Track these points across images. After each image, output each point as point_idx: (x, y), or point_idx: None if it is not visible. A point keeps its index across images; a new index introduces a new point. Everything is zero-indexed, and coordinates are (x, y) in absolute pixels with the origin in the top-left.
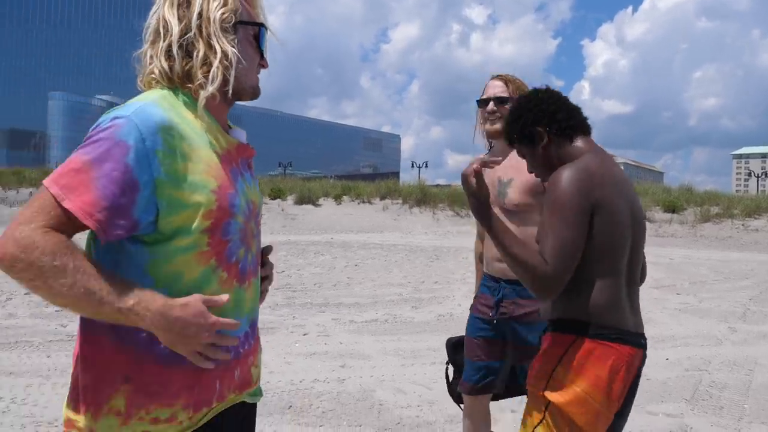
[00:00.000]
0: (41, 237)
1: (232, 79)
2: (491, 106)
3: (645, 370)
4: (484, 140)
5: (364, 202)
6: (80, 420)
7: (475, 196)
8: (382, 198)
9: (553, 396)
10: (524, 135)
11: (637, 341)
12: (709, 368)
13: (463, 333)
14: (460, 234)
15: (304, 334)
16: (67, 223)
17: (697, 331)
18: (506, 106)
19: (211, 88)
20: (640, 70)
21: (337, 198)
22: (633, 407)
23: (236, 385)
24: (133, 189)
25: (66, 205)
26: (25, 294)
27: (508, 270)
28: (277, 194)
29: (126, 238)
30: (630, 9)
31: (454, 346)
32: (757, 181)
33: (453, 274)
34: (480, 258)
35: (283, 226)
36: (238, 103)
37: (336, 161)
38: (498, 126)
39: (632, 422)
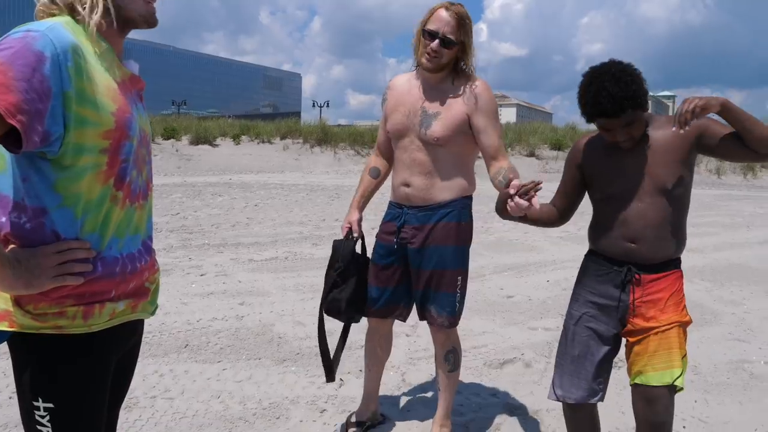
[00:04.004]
0: None
1: (112, 8)
2: (437, 44)
3: (528, 292)
4: (414, 63)
5: (263, 142)
6: None
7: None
8: (283, 138)
9: (687, 317)
10: (642, 103)
11: None
12: None
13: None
14: (362, 173)
15: (202, 275)
16: None
17: (575, 256)
18: (449, 50)
19: (95, 17)
20: (534, 14)
21: (236, 138)
22: (515, 325)
23: (130, 293)
24: (48, 97)
25: None
26: None
27: (412, 195)
28: (170, 134)
29: (36, 153)
30: None
31: (352, 252)
32: None
33: None
34: (369, 171)
35: (177, 168)
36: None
37: (234, 100)
38: (431, 66)
39: (515, 337)
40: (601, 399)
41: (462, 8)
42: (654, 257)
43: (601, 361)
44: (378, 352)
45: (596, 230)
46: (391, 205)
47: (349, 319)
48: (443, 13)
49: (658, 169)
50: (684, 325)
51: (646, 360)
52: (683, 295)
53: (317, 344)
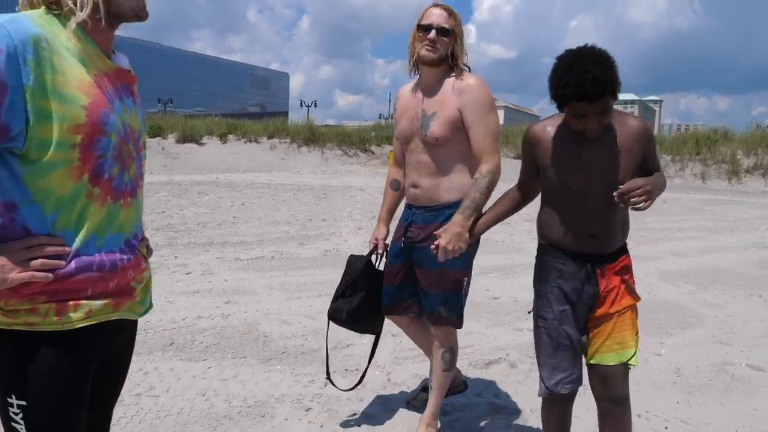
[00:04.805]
0: None
1: (102, 6)
2: (433, 34)
3: (514, 293)
4: (410, 66)
5: (251, 141)
6: None
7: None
8: (270, 137)
9: (638, 298)
10: (617, 91)
11: None
12: None
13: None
14: (349, 173)
15: (187, 273)
16: None
17: None
18: (446, 39)
19: (81, 15)
20: (523, 16)
21: (223, 137)
22: (501, 326)
23: (111, 292)
24: (4, 91)
25: None
26: None
27: (419, 196)
28: (156, 132)
29: (4, 148)
30: None
31: (365, 266)
32: None
33: (341, 212)
34: (390, 184)
35: (164, 166)
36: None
37: (221, 99)
38: (434, 56)
39: (500, 338)
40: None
41: (449, 6)
42: (611, 248)
43: (580, 348)
44: (417, 343)
45: (554, 224)
46: (405, 205)
47: (353, 328)
48: (434, 9)
49: (618, 163)
50: (636, 306)
51: (602, 341)
52: (633, 277)
53: (303, 343)
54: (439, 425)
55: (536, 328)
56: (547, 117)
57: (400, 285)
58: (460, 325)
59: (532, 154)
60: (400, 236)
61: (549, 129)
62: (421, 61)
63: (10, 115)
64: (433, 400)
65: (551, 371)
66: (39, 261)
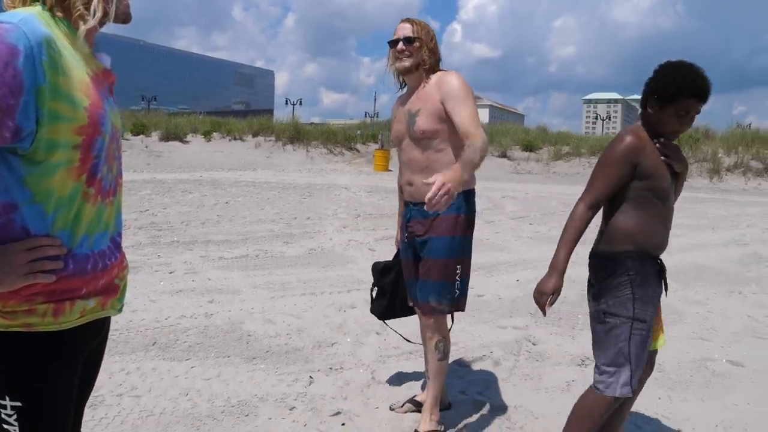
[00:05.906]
0: None
1: (112, 13)
2: (400, 45)
3: (498, 291)
4: (395, 80)
5: (235, 139)
6: None
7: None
8: (255, 135)
9: None
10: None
11: None
12: None
13: (336, 264)
14: (334, 171)
15: (170, 272)
16: None
17: (545, 256)
18: (414, 45)
19: (92, 22)
20: (508, 16)
21: (207, 135)
22: (485, 323)
23: (100, 291)
24: (20, 92)
25: None
26: None
27: (415, 193)
28: (140, 130)
29: (7, 149)
30: None
31: (381, 271)
32: (602, 123)
33: (325, 210)
34: (401, 188)
35: (147, 164)
36: None
37: (205, 97)
38: (406, 63)
39: (484, 336)
40: None
41: (414, 18)
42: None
43: None
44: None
45: (653, 230)
46: (404, 203)
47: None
48: (399, 25)
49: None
50: None
51: (658, 331)
52: None
53: (287, 342)
54: (440, 415)
55: (633, 330)
56: (624, 131)
57: (410, 280)
58: (457, 309)
59: (636, 163)
60: (403, 233)
61: (644, 137)
62: (399, 71)
63: (23, 116)
64: (431, 391)
65: (636, 371)
66: (41, 262)
